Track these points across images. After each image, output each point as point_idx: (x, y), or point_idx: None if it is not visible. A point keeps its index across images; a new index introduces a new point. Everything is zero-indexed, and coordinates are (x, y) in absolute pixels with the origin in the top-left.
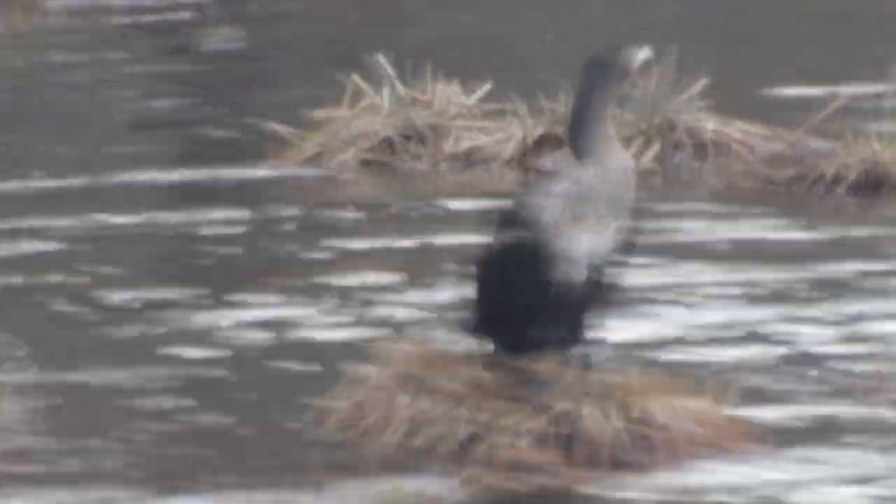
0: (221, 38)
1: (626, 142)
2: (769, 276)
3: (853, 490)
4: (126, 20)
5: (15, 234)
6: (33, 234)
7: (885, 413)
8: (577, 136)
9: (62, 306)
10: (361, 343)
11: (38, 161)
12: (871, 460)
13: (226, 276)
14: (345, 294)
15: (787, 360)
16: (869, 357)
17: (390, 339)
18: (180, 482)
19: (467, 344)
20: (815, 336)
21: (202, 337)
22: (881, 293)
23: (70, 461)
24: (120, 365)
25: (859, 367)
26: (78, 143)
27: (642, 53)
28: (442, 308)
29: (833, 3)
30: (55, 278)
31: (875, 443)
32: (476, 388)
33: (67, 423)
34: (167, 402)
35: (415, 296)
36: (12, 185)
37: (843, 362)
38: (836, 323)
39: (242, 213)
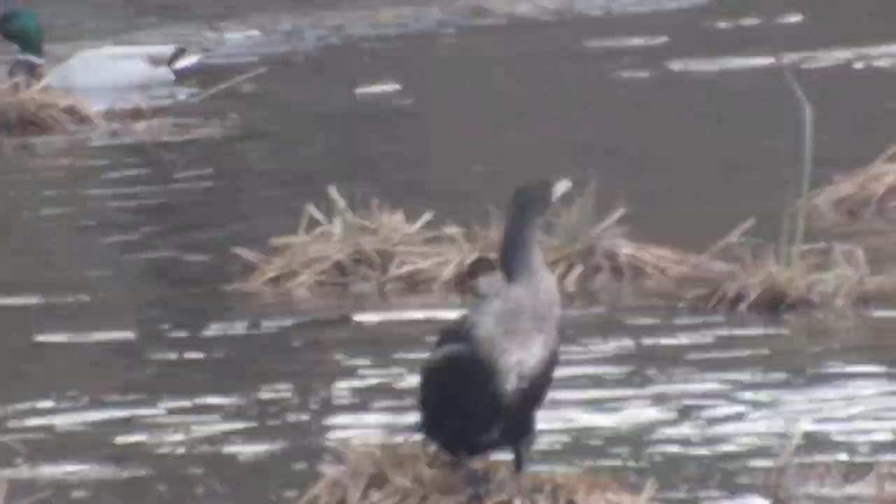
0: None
1: (551, 265)
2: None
3: None
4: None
5: None
6: None
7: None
8: (507, 260)
9: None
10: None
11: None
12: None
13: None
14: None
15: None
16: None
17: (349, 441)
18: None
19: (417, 444)
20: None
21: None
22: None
23: None
24: None
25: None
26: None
27: (562, 186)
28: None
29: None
30: None
31: None
32: (421, 483)
33: None
34: None
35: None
36: None
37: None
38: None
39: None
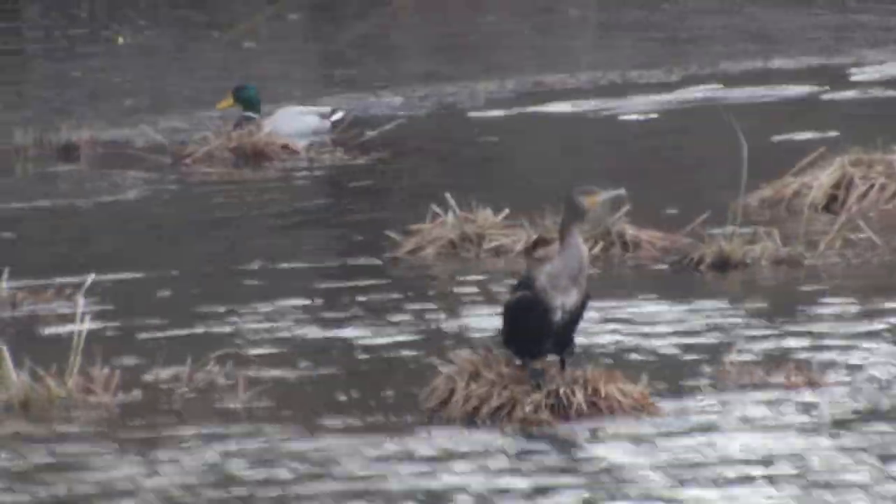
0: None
1: (585, 241)
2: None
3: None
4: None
5: None
6: None
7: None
8: (560, 238)
9: None
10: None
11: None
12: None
13: None
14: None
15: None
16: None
17: (458, 348)
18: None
19: (501, 353)
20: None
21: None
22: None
23: None
24: None
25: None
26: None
27: (615, 192)
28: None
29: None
30: None
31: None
32: (502, 377)
33: None
34: None
35: (473, 321)
36: None
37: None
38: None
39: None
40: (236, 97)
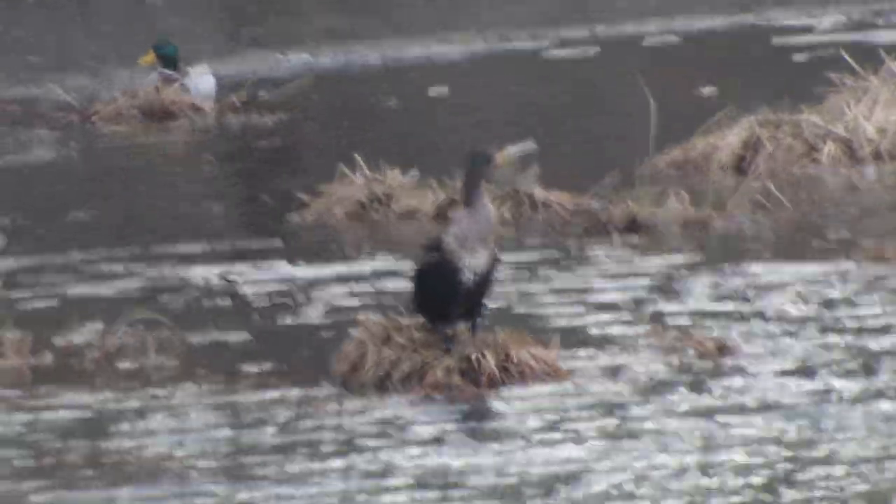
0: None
1: (493, 202)
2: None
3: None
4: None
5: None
6: None
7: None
8: (465, 199)
9: None
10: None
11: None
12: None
13: None
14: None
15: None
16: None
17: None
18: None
19: (411, 317)
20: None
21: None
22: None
23: None
24: None
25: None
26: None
27: (525, 146)
28: (396, 295)
29: None
30: None
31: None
32: (413, 342)
33: None
34: None
35: (382, 284)
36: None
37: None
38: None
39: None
40: (157, 53)
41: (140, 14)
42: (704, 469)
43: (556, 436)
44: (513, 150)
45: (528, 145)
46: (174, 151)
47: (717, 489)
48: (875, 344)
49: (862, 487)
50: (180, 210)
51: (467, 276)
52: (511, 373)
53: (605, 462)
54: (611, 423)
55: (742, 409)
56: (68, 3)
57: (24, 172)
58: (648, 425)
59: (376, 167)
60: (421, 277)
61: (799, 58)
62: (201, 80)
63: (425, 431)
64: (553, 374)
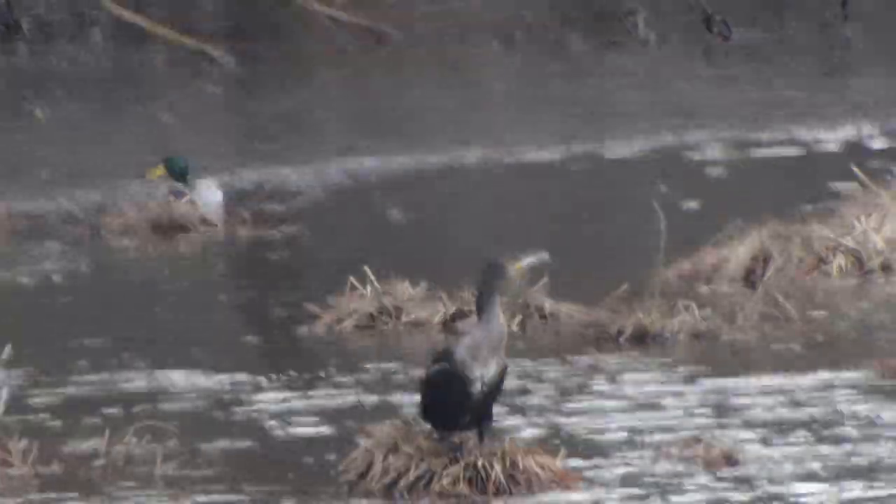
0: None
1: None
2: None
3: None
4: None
5: None
6: None
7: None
8: (478, 310)
9: None
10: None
11: None
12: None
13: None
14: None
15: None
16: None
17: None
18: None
19: (419, 425)
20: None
21: None
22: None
23: None
24: None
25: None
26: None
27: (539, 257)
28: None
29: None
30: None
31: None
32: (421, 450)
33: None
34: None
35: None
36: None
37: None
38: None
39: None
40: (168, 168)
41: (155, 131)
42: None
43: None
44: (527, 262)
45: (542, 256)
46: (184, 265)
47: None
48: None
49: None
50: (189, 322)
51: (477, 388)
52: (518, 481)
53: None
54: None
55: None
56: (84, 121)
57: (33, 286)
58: None
59: (386, 279)
60: (430, 387)
61: (808, 170)
62: (210, 194)
63: None
64: (560, 482)
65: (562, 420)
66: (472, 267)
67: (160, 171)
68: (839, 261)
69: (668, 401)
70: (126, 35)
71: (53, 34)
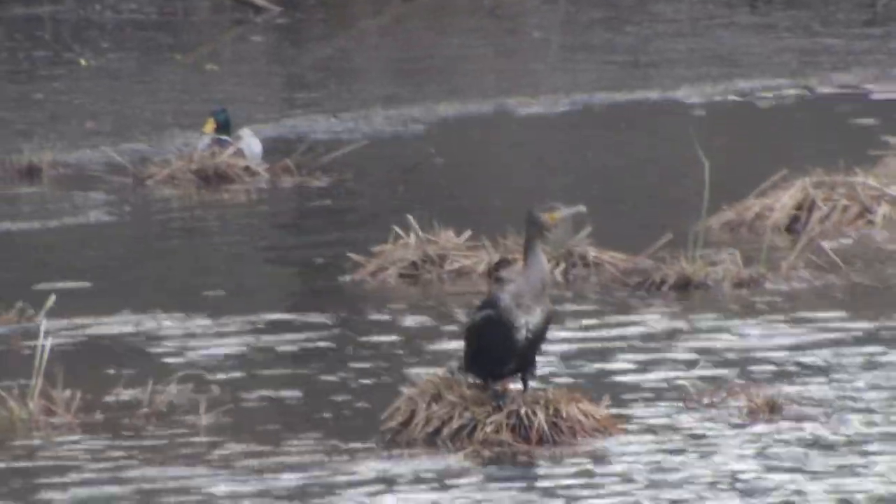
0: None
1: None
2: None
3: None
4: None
5: None
6: None
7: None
8: (524, 257)
9: None
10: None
11: None
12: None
13: None
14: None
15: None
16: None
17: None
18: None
19: (461, 375)
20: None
21: None
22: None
23: None
24: None
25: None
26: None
27: (576, 208)
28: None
29: None
30: None
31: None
32: (464, 399)
33: None
34: None
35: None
36: None
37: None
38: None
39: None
40: (215, 120)
41: (197, 80)
42: None
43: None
44: (564, 213)
45: (579, 208)
46: (228, 214)
47: None
48: None
49: None
50: (233, 270)
51: (522, 334)
52: (561, 429)
53: None
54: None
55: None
56: (128, 70)
57: (80, 232)
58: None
59: (430, 228)
60: (476, 334)
61: (855, 121)
62: (254, 143)
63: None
64: (604, 429)
65: (605, 367)
66: (515, 215)
67: (212, 124)
68: (884, 210)
69: (711, 349)
70: None
71: None
